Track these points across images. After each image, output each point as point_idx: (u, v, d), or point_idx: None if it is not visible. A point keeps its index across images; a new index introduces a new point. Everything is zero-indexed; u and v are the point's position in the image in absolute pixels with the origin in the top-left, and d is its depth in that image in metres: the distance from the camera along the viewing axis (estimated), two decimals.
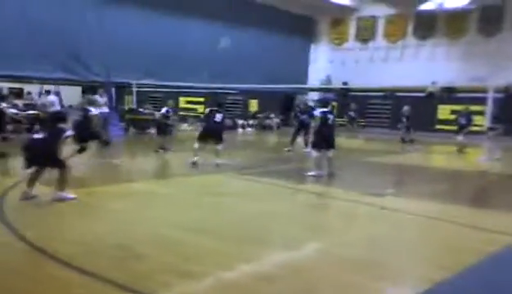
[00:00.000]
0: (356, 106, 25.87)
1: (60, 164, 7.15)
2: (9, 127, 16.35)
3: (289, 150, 15.41)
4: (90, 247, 5.19)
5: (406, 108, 19.92)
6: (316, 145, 10.59)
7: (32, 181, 7.23)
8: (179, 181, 9.98)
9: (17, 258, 4.85)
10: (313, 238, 6.00)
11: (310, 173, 10.44)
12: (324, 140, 10.42)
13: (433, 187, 10.16)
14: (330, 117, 10.52)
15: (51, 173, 7.32)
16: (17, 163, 12.16)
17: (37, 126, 7.75)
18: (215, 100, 11.98)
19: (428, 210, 7.66)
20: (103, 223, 6.26)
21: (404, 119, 19.75)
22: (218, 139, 11.44)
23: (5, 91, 17.38)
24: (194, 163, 11.17)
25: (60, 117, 7.64)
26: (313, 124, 11.12)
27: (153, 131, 16.87)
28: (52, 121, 7.50)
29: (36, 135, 7.28)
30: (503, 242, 5.93)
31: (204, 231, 5.97)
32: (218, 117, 11.46)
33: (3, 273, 4.44)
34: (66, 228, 5.97)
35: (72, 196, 7.25)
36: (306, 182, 10.33)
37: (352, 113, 25.65)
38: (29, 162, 7.16)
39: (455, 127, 17.36)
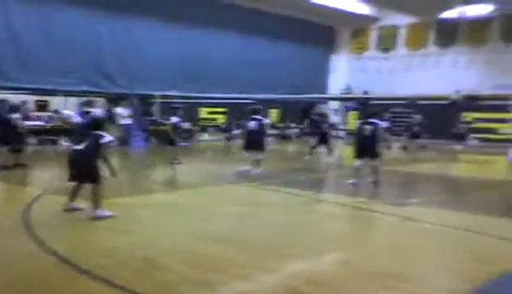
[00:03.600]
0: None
1: (95, 179, 6.98)
2: (33, 140, 16.66)
3: (308, 157, 15.57)
4: (116, 259, 5.27)
5: (417, 116, 19.96)
6: (356, 155, 10.69)
7: (73, 194, 7.18)
8: (201, 192, 10.00)
9: (49, 271, 4.88)
10: (335, 249, 6.00)
11: (350, 181, 10.49)
12: (361, 150, 10.55)
13: (455, 196, 10.02)
14: (368, 127, 10.51)
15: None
16: (39, 174, 12.46)
17: (76, 137, 7.53)
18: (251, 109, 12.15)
19: (451, 220, 7.58)
20: (127, 235, 6.33)
21: (415, 128, 19.58)
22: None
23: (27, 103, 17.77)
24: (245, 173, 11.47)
25: (97, 122, 7.40)
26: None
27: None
28: (89, 127, 7.25)
29: (76, 147, 7.04)
30: None
31: (225, 242, 6.02)
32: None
33: (38, 287, 4.49)
34: (92, 240, 6.07)
35: (109, 213, 7.00)
36: (327, 192, 10.32)
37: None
38: (71, 176, 7.07)
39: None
